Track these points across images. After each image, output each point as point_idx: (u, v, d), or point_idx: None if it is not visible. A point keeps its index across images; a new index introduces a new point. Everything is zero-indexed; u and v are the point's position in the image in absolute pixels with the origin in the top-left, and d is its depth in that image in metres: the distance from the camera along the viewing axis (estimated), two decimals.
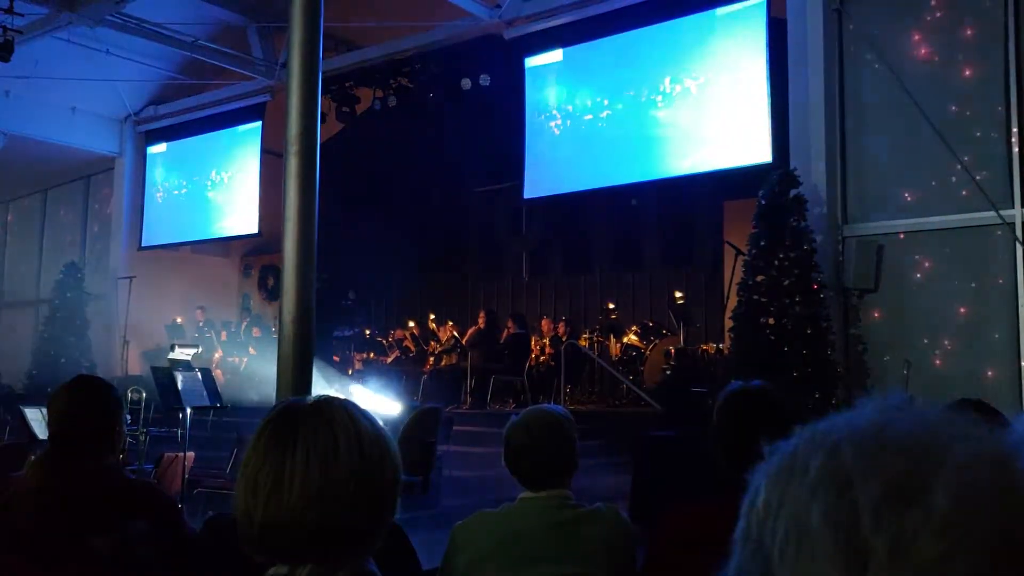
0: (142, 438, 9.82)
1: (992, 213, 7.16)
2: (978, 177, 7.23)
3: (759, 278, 7.44)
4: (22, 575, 2.00)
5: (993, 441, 0.49)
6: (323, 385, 7.81)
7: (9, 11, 9.44)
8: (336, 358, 12.21)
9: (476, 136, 12.90)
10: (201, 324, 13.88)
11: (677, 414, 8.12)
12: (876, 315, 7.75)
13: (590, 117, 10.13)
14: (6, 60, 9.81)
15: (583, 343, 10.85)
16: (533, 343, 10.85)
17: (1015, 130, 7.17)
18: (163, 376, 6.41)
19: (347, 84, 12.33)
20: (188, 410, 6.39)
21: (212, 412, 9.88)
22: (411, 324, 12.64)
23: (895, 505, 0.46)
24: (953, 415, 0.51)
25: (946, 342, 7.33)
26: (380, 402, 8.33)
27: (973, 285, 7.29)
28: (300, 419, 1.09)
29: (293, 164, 3.18)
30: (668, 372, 9.34)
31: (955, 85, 7.51)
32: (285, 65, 3.33)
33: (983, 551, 0.44)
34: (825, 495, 0.48)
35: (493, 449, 7.50)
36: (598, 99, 10.07)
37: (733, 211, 11.09)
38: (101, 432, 2.23)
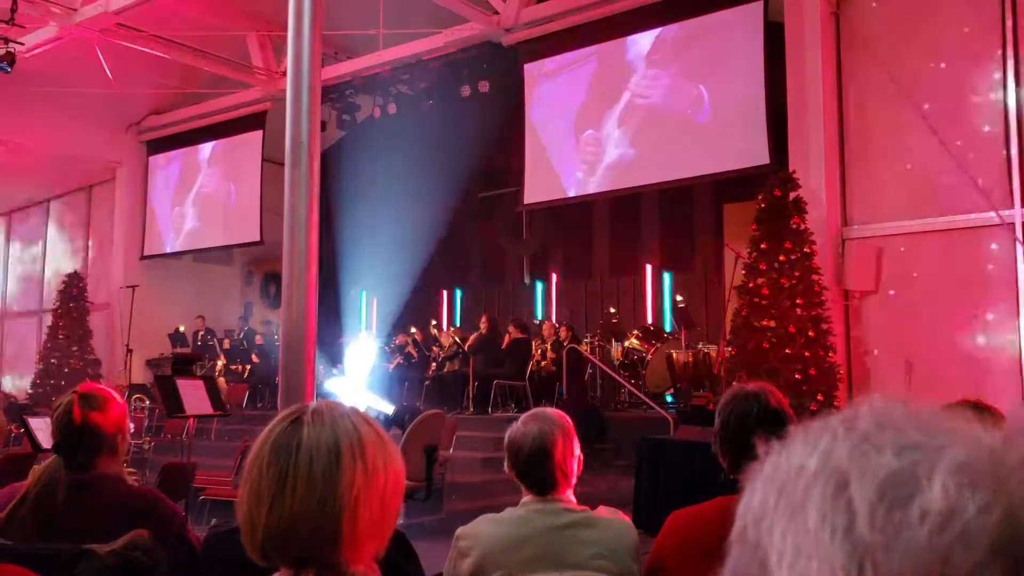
0: (146, 446, 9.86)
1: (992, 214, 7.16)
2: (977, 178, 7.24)
3: (760, 280, 7.44)
4: None
5: (989, 436, 0.49)
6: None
7: (11, 22, 9.47)
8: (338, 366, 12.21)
9: (476, 142, 12.91)
10: (202, 332, 13.89)
11: (679, 417, 8.12)
12: (877, 317, 7.75)
13: (589, 122, 10.14)
14: (8, 71, 9.84)
15: (584, 347, 10.85)
16: (534, 348, 10.84)
17: (1014, 131, 7.18)
18: (167, 384, 6.41)
19: (347, 92, 12.36)
20: (192, 418, 6.38)
21: (216, 420, 9.92)
22: (413, 330, 12.64)
23: (892, 503, 0.45)
24: (949, 414, 0.51)
25: (947, 343, 7.33)
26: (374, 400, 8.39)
27: (973, 286, 7.30)
28: (303, 425, 1.10)
29: (293, 172, 3.20)
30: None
31: (953, 86, 7.52)
32: (285, 74, 3.34)
33: (982, 546, 0.43)
34: (821, 495, 0.48)
35: (496, 454, 7.50)
36: (596, 104, 10.09)
37: (733, 214, 11.10)
38: (105, 441, 2.24)
